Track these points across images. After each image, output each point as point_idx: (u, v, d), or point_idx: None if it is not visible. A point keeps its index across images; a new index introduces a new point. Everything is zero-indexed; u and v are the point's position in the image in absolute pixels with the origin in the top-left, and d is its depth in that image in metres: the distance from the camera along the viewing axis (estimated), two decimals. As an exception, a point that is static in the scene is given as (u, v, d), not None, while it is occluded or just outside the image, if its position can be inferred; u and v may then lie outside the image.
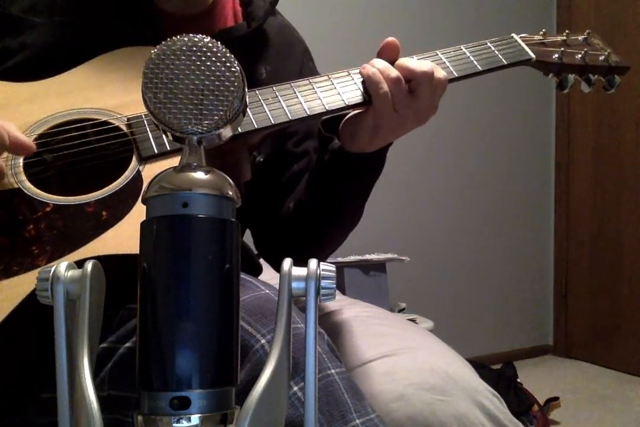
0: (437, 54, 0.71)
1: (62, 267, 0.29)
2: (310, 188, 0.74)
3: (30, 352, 0.53)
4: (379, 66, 0.65)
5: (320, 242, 0.79)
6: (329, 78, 0.67)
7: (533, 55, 0.73)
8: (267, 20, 0.77)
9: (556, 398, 1.92)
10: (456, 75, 0.69)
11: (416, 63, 0.65)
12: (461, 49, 0.71)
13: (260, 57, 0.76)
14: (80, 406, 0.26)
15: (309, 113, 0.64)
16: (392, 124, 0.65)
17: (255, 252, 0.83)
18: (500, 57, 0.72)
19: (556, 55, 0.75)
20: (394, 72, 0.64)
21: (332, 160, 0.69)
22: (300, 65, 0.82)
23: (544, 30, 0.77)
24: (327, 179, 0.72)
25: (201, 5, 0.75)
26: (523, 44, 0.74)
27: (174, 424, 0.26)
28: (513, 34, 0.75)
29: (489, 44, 0.73)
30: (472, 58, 0.71)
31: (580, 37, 0.79)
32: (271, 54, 0.77)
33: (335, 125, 0.71)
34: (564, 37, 0.78)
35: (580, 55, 0.76)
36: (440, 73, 0.66)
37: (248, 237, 0.83)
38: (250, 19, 0.76)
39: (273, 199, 0.79)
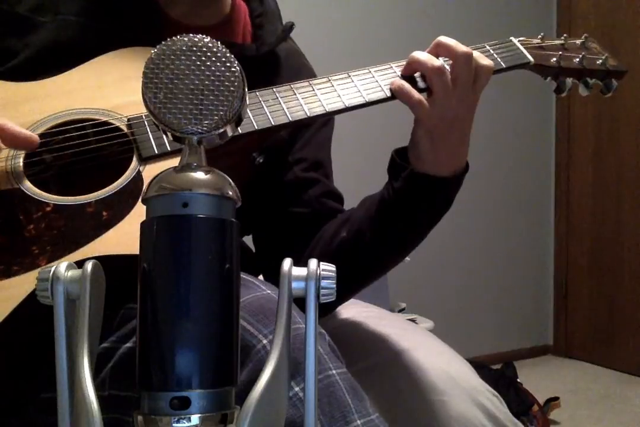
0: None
1: (62, 267, 0.29)
2: (379, 218, 0.71)
3: (30, 351, 0.53)
4: (422, 57, 0.65)
5: (361, 279, 0.76)
6: (329, 80, 0.67)
7: (531, 59, 0.73)
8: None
9: (556, 398, 1.92)
10: None
11: (456, 43, 0.65)
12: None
13: (267, 81, 0.75)
14: (80, 406, 0.26)
15: (309, 114, 0.64)
16: (437, 121, 0.65)
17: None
18: (499, 60, 0.72)
19: (554, 59, 0.75)
20: (436, 62, 0.64)
21: (405, 186, 0.68)
22: None
23: (542, 33, 0.77)
24: (400, 208, 0.69)
25: (210, 18, 0.74)
26: (522, 48, 0.74)
27: (173, 424, 0.26)
28: (512, 38, 0.75)
29: (487, 47, 0.73)
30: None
31: (578, 41, 0.79)
32: (278, 79, 0.76)
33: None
34: (562, 41, 0.78)
35: (578, 59, 0.76)
36: (485, 60, 0.66)
37: (247, 238, 0.82)
38: (260, 43, 0.74)
39: (301, 227, 0.76)
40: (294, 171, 0.78)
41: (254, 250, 0.83)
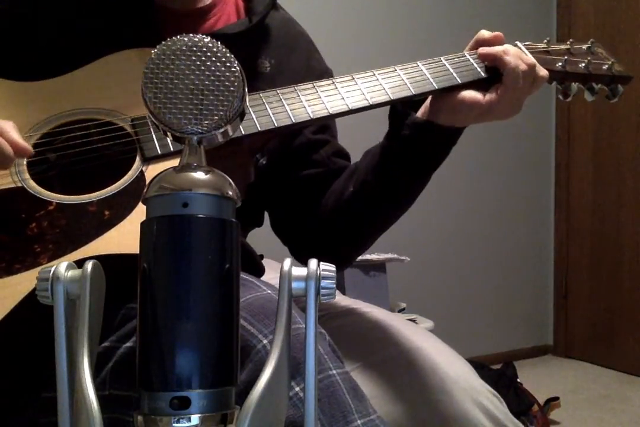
0: (441, 60, 0.71)
1: (62, 267, 0.29)
2: (381, 168, 0.73)
3: (31, 350, 0.53)
4: (514, 52, 0.69)
5: (372, 231, 0.79)
6: (333, 82, 0.68)
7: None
8: (270, 14, 0.77)
9: (556, 398, 1.92)
10: (460, 81, 0.69)
11: (519, 52, 0.69)
12: (465, 56, 0.72)
13: (263, 50, 0.76)
14: (80, 406, 0.26)
15: (312, 116, 0.65)
16: (492, 109, 0.68)
17: (258, 253, 0.83)
18: None
19: (560, 64, 0.75)
20: (531, 59, 0.69)
21: (414, 134, 0.69)
22: (306, 57, 0.82)
23: (547, 38, 0.77)
24: (405, 156, 0.71)
25: (203, 1, 0.75)
26: (527, 52, 0.74)
27: (174, 424, 0.26)
28: (517, 42, 0.75)
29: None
30: (475, 65, 0.71)
31: (584, 46, 0.79)
32: (275, 47, 0.77)
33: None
34: (568, 46, 0.78)
35: (583, 64, 0.76)
36: (543, 71, 0.69)
37: (248, 237, 0.82)
38: (252, 14, 0.76)
39: (315, 188, 0.79)
40: (305, 134, 0.80)
41: (255, 249, 0.83)
